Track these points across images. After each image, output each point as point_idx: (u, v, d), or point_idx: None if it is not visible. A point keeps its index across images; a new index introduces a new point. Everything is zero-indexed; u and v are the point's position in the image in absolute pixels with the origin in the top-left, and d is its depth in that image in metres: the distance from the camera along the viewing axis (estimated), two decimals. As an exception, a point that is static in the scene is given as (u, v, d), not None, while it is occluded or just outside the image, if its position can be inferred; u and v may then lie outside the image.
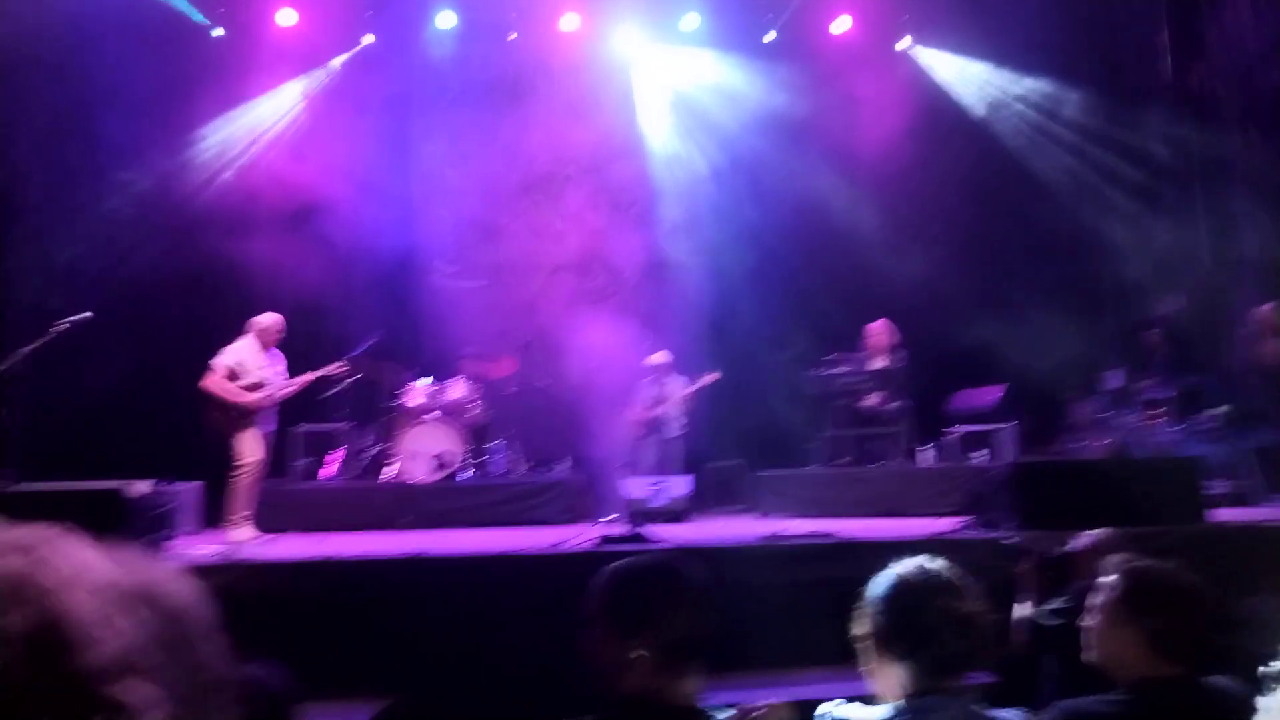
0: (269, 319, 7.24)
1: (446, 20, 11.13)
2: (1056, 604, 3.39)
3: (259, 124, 11.06)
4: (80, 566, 0.71)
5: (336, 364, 7.42)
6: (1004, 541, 4.00)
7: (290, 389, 7.18)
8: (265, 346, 7.18)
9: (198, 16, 10.47)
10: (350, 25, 11.21)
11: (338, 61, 11.26)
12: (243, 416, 6.91)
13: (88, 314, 7.29)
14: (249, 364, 6.99)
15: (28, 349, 7.59)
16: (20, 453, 9.43)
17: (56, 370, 9.13)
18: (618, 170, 11.61)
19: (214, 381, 6.89)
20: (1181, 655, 2.20)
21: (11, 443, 9.48)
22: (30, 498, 5.39)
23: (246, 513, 6.98)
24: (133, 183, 10.01)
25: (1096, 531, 3.69)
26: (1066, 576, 3.60)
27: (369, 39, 11.26)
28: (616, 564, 2.01)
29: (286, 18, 10.85)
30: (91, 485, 5.60)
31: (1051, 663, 3.30)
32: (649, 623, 1.83)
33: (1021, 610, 3.61)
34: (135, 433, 9.27)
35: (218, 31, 10.83)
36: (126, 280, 9.83)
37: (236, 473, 6.94)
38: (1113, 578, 2.35)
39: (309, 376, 7.23)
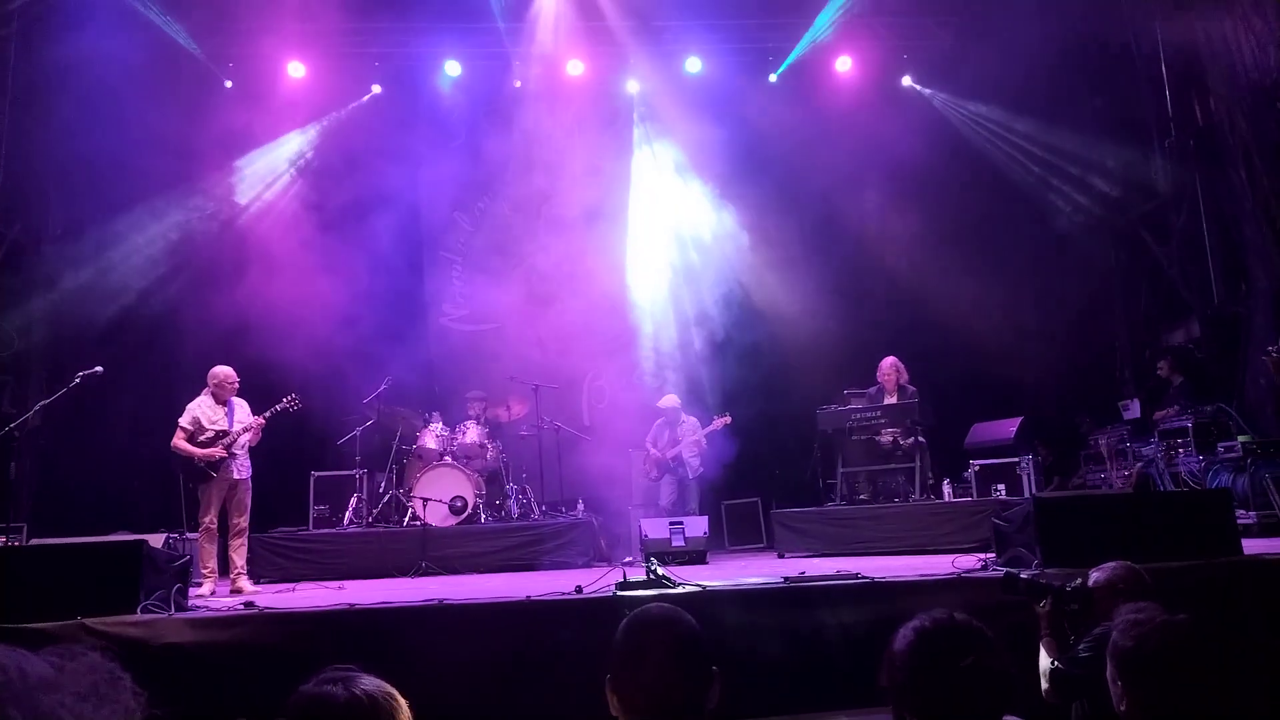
0: (220, 372, 7.30)
1: (453, 69, 11.29)
2: (1080, 651, 3.31)
3: (268, 171, 11.18)
4: None
5: (287, 398, 7.44)
6: (1021, 577, 3.92)
7: (246, 434, 7.18)
8: (221, 399, 7.24)
9: (193, 47, 10.50)
10: (358, 76, 11.36)
11: (345, 110, 11.41)
12: (202, 471, 6.99)
13: (98, 368, 7.29)
14: (204, 419, 7.11)
15: (41, 403, 7.59)
16: (29, 506, 9.39)
17: (63, 423, 9.12)
18: (621, 210, 11.68)
19: (175, 439, 7.03)
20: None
21: (22, 497, 9.44)
22: (54, 552, 5.29)
23: (212, 566, 6.98)
24: (142, 229, 10.06)
25: (1111, 566, 3.60)
26: (1086, 613, 3.53)
27: (376, 89, 11.42)
28: (628, 617, 2.01)
29: (295, 70, 11.02)
30: (114, 539, 5.53)
31: (1082, 707, 3.23)
32: (626, 674, 1.84)
33: (1046, 659, 3.54)
34: (135, 486, 9.23)
35: (228, 83, 11.01)
36: (137, 329, 9.86)
37: (199, 525, 7.02)
38: (1128, 641, 2.09)
39: (259, 420, 7.25)
